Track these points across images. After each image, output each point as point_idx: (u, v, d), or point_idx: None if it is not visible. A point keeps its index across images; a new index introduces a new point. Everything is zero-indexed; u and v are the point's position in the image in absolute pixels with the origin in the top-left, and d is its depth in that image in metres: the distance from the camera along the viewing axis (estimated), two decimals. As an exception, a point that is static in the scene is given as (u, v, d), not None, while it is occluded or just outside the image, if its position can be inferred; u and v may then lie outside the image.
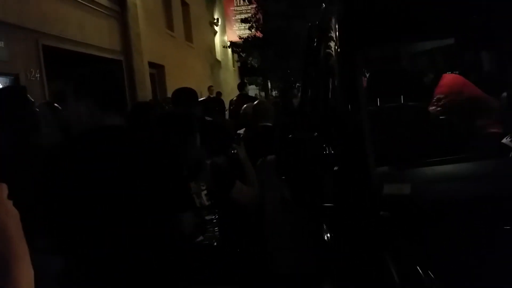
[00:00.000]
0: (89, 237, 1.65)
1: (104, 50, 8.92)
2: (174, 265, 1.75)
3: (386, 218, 1.57)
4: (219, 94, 12.33)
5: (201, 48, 17.26)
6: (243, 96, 8.85)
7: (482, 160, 1.91)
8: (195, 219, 2.03)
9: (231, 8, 21.13)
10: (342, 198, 1.81)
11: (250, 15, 16.75)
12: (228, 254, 2.29)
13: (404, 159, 1.84)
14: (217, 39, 20.86)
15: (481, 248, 1.39)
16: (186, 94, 3.47)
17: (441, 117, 2.61)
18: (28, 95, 2.75)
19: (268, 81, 20.02)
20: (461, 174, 1.78)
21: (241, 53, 17.95)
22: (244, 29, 17.63)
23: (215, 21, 20.38)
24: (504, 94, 2.37)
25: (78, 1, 7.95)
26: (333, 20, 2.12)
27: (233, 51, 19.04)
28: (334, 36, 2.07)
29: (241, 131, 4.07)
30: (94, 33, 8.44)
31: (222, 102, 8.99)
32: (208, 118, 3.66)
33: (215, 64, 19.49)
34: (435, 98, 2.74)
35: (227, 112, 8.87)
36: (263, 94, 20.76)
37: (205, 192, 2.26)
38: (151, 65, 11.12)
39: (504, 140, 2.03)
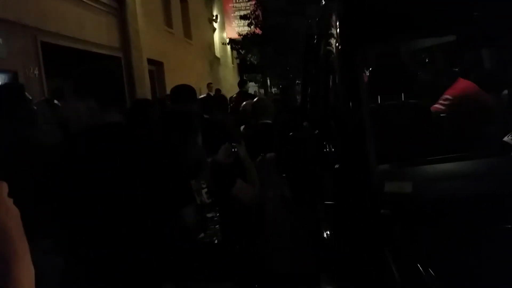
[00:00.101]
0: (90, 235, 1.64)
1: (103, 47, 8.89)
2: (175, 262, 1.75)
3: (387, 216, 1.57)
4: (218, 91, 12.27)
5: (200, 45, 17.20)
6: (243, 94, 8.82)
7: (483, 158, 1.91)
8: (196, 216, 2.02)
9: (230, 5, 21.05)
10: (343, 196, 1.81)
11: (249, 11, 16.71)
12: (228, 252, 2.28)
13: (405, 157, 1.83)
14: (216, 36, 20.79)
15: (482, 246, 1.39)
16: (184, 91, 3.45)
17: (441, 115, 2.61)
18: (26, 93, 2.75)
19: (267, 78, 19.99)
20: (462, 172, 1.78)
21: (240, 50, 17.92)
22: (243, 25, 17.60)
23: (214, 17, 20.31)
24: (505, 92, 2.37)
25: (77, -2, 7.93)
26: (334, 17, 2.11)
27: (232, 48, 19.01)
28: (334, 33, 2.06)
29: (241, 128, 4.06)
30: (92, 30, 8.41)
31: (225, 99, 8.95)
32: (206, 116, 3.65)
33: (214, 61, 19.44)
34: (443, 97, 2.74)
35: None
36: (262, 91, 20.73)
37: (205, 190, 2.25)
38: (150, 62, 11.08)
39: (505, 138, 2.02)
